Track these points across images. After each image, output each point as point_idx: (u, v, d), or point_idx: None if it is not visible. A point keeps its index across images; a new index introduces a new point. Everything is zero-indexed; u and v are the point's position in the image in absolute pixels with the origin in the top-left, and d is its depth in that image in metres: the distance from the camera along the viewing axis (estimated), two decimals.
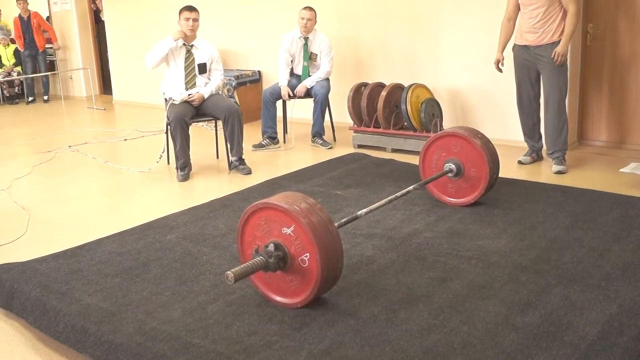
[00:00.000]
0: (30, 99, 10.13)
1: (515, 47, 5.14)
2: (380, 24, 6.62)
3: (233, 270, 2.58)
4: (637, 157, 5.26)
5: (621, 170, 4.96)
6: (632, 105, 5.59)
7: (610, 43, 5.61)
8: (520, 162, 5.28)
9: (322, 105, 6.05)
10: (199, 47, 5.41)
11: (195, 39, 5.39)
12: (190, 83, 5.35)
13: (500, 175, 4.14)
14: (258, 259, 2.69)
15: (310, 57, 6.17)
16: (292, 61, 6.24)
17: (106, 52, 9.91)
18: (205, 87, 5.38)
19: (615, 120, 5.72)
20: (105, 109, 9.17)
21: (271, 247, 2.70)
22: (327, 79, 6.21)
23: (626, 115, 5.65)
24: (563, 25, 4.84)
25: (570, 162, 5.16)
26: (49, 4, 10.43)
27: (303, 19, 6.05)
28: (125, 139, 6.90)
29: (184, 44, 5.33)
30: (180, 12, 5.33)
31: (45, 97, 10.15)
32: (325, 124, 6.19)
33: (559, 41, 4.84)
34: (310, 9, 6.08)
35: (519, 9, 5.04)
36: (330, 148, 6.01)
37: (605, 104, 5.74)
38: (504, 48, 5.16)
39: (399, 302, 2.80)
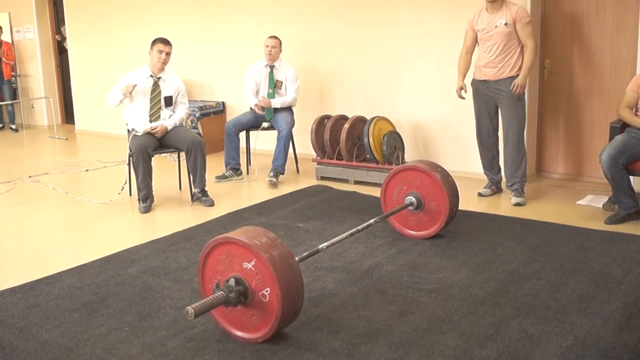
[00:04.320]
0: (0, 125, 10.03)
1: (474, 82, 5.25)
2: (343, 57, 6.72)
3: (193, 305, 2.57)
4: (593, 190, 5.41)
5: (578, 202, 5.10)
6: (587, 138, 5.75)
7: (566, 78, 5.78)
8: (480, 195, 5.37)
9: (285, 141, 6.03)
10: (166, 80, 5.42)
11: (163, 71, 5.39)
12: (154, 115, 5.33)
13: (460, 207, 4.21)
14: (219, 293, 2.68)
15: (275, 85, 6.22)
16: (257, 92, 6.28)
17: (69, 81, 9.83)
18: (169, 119, 5.38)
19: (572, 153, 5.87)
20: (67, 139, 9.04)
21: (232, 282, 2.70)
22: (292, 113, 6.26)
23: (582, 148, 5.80)
24: (521, 60, 4.99)
25: (528, 194, 5.26)
26: (11, 32, 10.33)
27: (267, 46, 6.15)
28: (87, 170, 6.82)
29: (151, 76, 5.33)
30: (155, 43, 5.31)
31: (13, 126, 10.00)
32: (288, 155, 6.17)
33: (517, 75, 4.97)
34: (275, 37, 6.20)
35: (476, 42, 5.16)
36: (274, 184, 5.86)
37: (563, 137, 5.89)
38: (464, 77, 5.21)
39: (359, 336, 2.81)
